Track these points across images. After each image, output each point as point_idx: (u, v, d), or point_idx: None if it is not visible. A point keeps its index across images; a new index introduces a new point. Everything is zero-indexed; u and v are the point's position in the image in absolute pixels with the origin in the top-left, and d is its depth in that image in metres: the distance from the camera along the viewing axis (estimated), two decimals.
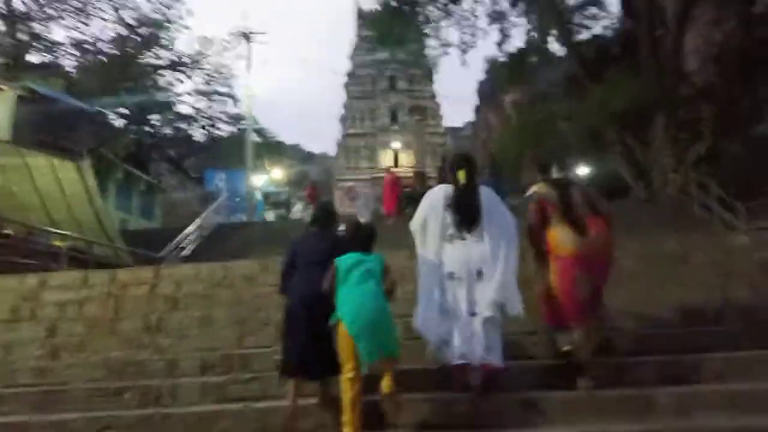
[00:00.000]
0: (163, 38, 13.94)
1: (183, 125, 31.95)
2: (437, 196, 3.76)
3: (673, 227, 10.57)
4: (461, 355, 3.42)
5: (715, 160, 15.68)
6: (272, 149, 34.73)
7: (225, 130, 32.95)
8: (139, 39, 13.40)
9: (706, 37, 17.61)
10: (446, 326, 3.50)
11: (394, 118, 40.25)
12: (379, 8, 17.72)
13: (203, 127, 32.63)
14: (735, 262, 5.53)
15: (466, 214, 3.63)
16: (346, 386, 3.21)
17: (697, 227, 10.74)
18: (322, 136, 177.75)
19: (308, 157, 70.85)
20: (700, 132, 16.35)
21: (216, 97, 31.17)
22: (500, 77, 20.17)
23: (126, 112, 21.35)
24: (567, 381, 3.51)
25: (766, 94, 16.47)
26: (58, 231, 8.30)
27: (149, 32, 13.41)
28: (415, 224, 3.80)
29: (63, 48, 13.12)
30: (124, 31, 13.29)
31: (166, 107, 28.30)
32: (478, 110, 52.11)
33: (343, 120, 41.55)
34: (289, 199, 22.04)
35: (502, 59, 20.12)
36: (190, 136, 32.43)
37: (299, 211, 28.52)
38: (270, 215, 31.57)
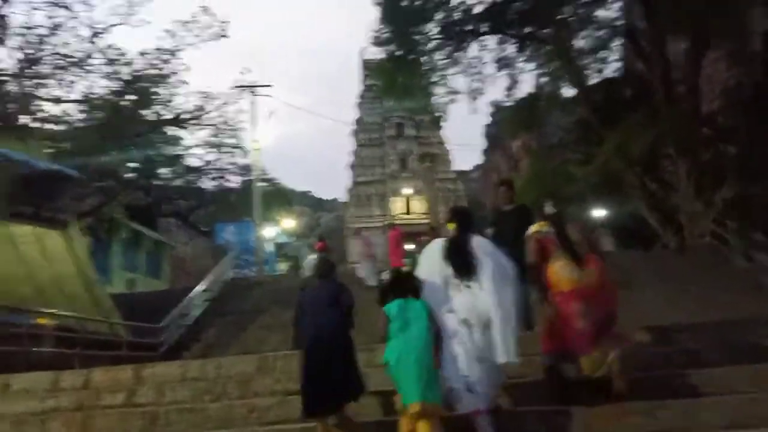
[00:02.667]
0: (161, 94, 13.46)
1: (192, 177, 31.84)
2: (433, 249, 3.94)
3: (718, 282, 9.66)
4: (476, 401, 3.51)
5: (741, 205, 14.86)
6: (282, 198, 34.34)
7: (235, 181, 32.81)
8: (134, 95, 12.95)
9: (720, 76, 17.08)
10: (465, 372, 3.57)
11: (403, 164, 39.89)
12: (383, 57, 17.40)
13: (213, 179, 32.52)
14: None
15: (458, 263, 3.76)
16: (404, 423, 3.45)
17: (744, 281, 9.77)
18: (333, 182, 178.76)
19: (319, 204, 70.74)
20: (724, 175, 15.61)
21: (225, 148, 31.18)
22: (511, 122, 19.62)
23: (133, 166, 21.02)
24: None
25: None
26: (41, 310, 7.57)
27: (145, 87, 12.96)
28: (420, 274, 3.95)
29: (48, 106, 12.74)
30: (118, 87, 12.84)
31: (174, 160, 28.14)
32: (486, 153, 51.90)
33: (353, 167, 41.27)
34: (299, 251, 21.51)
35: (509, 104, 19.84)
36: (200, 188, 32.23)
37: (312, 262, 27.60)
38: (283, 267, 30.83)
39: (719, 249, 12.16)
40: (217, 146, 30.97)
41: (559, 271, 3.87)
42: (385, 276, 4.40)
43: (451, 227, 3.93)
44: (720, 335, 5.08)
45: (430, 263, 3.87)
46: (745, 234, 10.70)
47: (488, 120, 45.28)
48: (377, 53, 22.86)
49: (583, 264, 3.83)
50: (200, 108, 13.81)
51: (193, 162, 30.97)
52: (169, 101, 13.42)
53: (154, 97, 13.17)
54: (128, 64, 12.70)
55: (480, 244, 3.86)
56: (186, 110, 13.76)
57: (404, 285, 3.78)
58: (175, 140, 24.42)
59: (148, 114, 13.72)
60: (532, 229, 4.20)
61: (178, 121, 13.83)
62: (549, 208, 4.38)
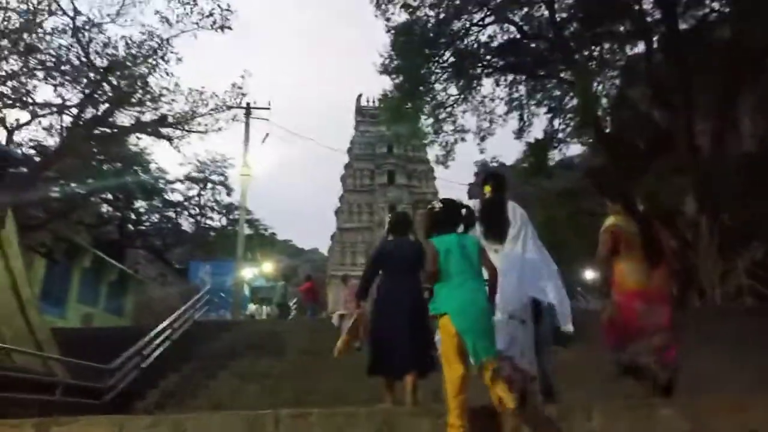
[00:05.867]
0: (144, 89, 11.53)
1: (171, 213, 29.96)
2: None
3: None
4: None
5: None
6: (264, 242, 32.62)
7: (215, 219, 31.04)
8: (111, 89, 11.09)
9: (750, 129, 16.30)
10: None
11: (392, 213, 38.65)
12: (391, 90, 16.34)
13: (193, 217, 30.67)
14: None
15: (490, 224, 3.73)
16: (454, 386, 2.87)
17: None
18: (311, 233, 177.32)
19: (297, 253, 68.73)
20: (751, 234, 14.52)
21: (208, 185, 29.62)
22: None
23: (104, 193, 19.15)
24: None
25: None
26: None
27: (125, 79, 11.13)
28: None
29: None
30: (90, 77, 11.00)
31: (154, 192, 26.37)
32: None
33: (339, 213, 39.85)
34: (286, 294, 19.70)
35: (493, 163, 19.44)
36: (178, 225, 30.32)
37: (293, 308, 25.66)
38: (255, 310, 28.69)
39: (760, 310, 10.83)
40: (201, 181, 29.52)
41: (627, 271, 3.74)
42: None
43: (487, 190, 3.86)
44: None
45: None
46: None
47: (472, 180, 44.96)
48: (385, 86, 21.90)
49: (655, 267, 3.71)
50: (191, 111, 12.05)
51: (174, 197, 29.36)
52: (154, 98, 11.56)
53: (133, 91, 11.39)
54: (106, 45, 11.00)
55: (515, 209, 3.83)
56: (173, 113, 11.95)
57: (460, 216, 3.35)
58: (160, 173, 22.76)
59: (125, 114, 11.86)
60: (609, 221, 3.92)
61: (162, 124, 11.99)
62: (640, 205, 4.07)
